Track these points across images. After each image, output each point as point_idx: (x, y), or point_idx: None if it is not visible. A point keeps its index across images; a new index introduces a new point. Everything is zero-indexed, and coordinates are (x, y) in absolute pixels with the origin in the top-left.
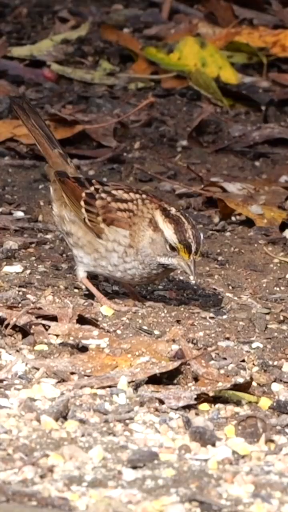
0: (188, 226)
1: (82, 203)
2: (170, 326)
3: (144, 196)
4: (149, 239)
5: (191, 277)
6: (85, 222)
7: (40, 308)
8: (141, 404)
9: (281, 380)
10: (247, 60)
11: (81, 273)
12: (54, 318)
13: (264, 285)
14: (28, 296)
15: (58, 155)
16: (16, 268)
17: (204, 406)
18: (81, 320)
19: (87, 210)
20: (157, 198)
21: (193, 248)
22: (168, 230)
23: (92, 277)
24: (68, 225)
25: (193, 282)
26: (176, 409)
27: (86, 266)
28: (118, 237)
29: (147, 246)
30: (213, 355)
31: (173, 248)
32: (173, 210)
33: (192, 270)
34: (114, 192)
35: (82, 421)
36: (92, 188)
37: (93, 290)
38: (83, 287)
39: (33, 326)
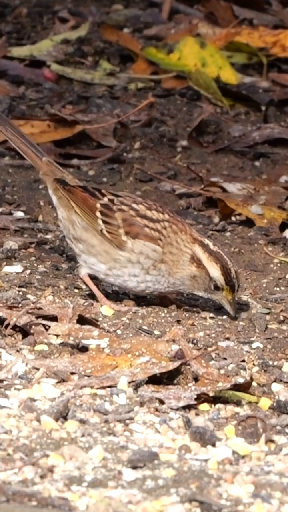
0: (231, 265)
1: (98, 214)
2: (170, 326)
3: (167, 215)
4: (191, 275)
5: (232, 313)
6: (102, 233)
7: (40, 308)
8: (141, 404)
9: (281, 380)
10: (247, 60)
11: (84, 270)
12: (54, 318)
13: (264, 285)
14: (28, 296)
15: (49, 163)
16: (16, 268)
17: (204, 406)
18: (81, 320)
19: (104, 222)
20: (178, 219)
21: (236, 288)
22: (215, 271)
23: (93, 277)
24: (79, 231)
25: (232, 315)
26: (176, 409)
27: (96, 273)
28: (146, 251)
29: (187, 279)
30: (213, 355)
31: (217, 288)
32: (211, 245)
33: (233, 308)
34: (135, 206)
35: (82, 421)
36: (105, 199)
37: (94, 289)
38: (83, 287)
39: (33, 326)
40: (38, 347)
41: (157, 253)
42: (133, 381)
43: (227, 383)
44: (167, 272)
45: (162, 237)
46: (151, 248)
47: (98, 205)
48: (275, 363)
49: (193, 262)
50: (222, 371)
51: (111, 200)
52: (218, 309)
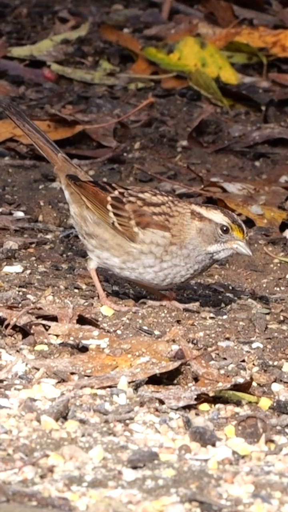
0: (229, 211)
1: (109, 207)
2: (170, 326)
3: (171, 197)
4: (197, 230)
5: (250, 253)
6: (113, 226)
7: (40, 308)
8: (141, 404)
9: (281, 380)
10: (247, 60)
11: (93, 264)
12: (54, 318)
13: (264, 285)
14: (28, 296)
15: (64, 159)
16: (16, 268)
17: (204, 406)
18: (81, 320)
19: (116, 214)
20: (182, 199)
21: (244, 227)
22: (217, 215)
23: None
24: (91, 226)
25: (250, 254)
26: (176, 409)
27: (111, 268)
28: (156, 239)
29: (195, 237)
30: (213, 355)
31: (225, 231)
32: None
33: (249, 248)
34: (141, 195)
35: (82, 421)
36: (116, 192)
37: (98, 286)
38: (83, 286)
39: (33, 326)
40: (38, 347)
41: (166, 238)
42: (133, 381)
43: (227, 383)
44: (179, 248)
45: (168, 217)
46: (160, 235)
47: (109, 198)
48: (275, 363)
49: (195, 217)
50: (222, 371)
51: (122, 193)
52: (218, 309)
